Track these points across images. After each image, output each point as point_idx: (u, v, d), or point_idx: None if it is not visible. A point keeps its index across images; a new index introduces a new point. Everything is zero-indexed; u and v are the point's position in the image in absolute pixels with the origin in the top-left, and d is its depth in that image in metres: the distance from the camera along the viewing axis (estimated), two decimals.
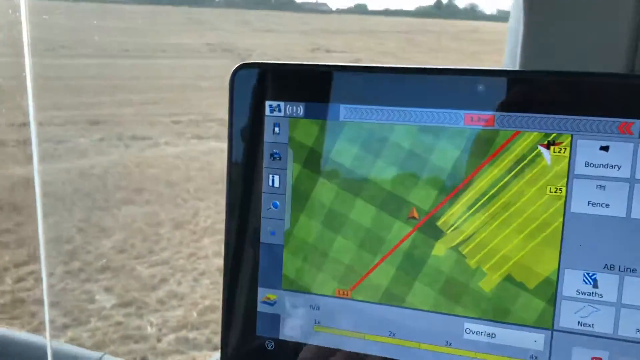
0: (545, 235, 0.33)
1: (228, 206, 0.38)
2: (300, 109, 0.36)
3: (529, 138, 0.33)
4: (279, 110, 0.36)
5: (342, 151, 0.36)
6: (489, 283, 0.34)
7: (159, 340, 2.00)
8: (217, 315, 2.15)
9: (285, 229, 0.37)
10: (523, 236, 0.33)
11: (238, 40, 10.37)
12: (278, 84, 0.36)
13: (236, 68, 0.37)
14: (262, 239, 0.37)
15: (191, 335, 2.04)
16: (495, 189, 0.34)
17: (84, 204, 3.03)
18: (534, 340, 0.34)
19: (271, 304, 0.37)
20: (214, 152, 4.13)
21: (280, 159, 0.37)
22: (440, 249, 0.35)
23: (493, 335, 0.34)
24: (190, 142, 4.38)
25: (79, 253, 2.55)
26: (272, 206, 0.37)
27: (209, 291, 2.31)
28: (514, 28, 0.49)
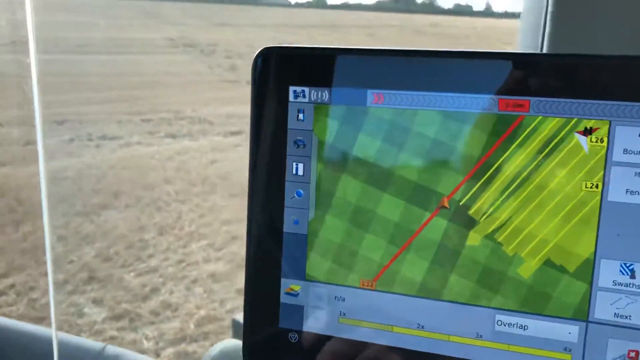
0: (582, 216, 0.32)
1: (251, 195, 0.37)
2: (325, 95, 0.35)
3: (566, 124, 0.32)
4: (304, 96, 0.35)
5: (369, 139, 0.34)
6: (528, 269, 0.33)
7: (157, 355, 1.90)
8: (216, 327, 2.06)
9: (310, 218, 0.36)
10: (559, 219, 0.32)
11: (199, 34, 10.16)
12: (302, 69, 0.35)
13: (259, 52, 0.36)
14: (285, 229, 0.36)
15: (191, 348, 1.95)
16: (526, 171, 0.33)
17: (60, 210, 2.88)
18: (568, 332, 0.33)
19: (295, 295, 0.36)
20: (189, 152, 4.00)
21: (304, 146, 0.35)
22: (474, 239, 0.34)
23: (525, 327, 0.33)
24: (164, 141, 4.24)
25: (61, 263, 2.41)
26: (295, 195, 0.36)
27: (204, 300, 2.22)
28: (532, 14, 0.47)
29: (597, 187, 0.32)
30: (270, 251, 0.37)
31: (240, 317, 0.75)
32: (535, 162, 0.33)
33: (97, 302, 2.17)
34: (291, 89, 0.36)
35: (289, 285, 0.37)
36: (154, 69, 6.95)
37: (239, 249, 2.63)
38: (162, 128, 4.55)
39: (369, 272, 0.35)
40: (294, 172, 0.36)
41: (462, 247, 0.34)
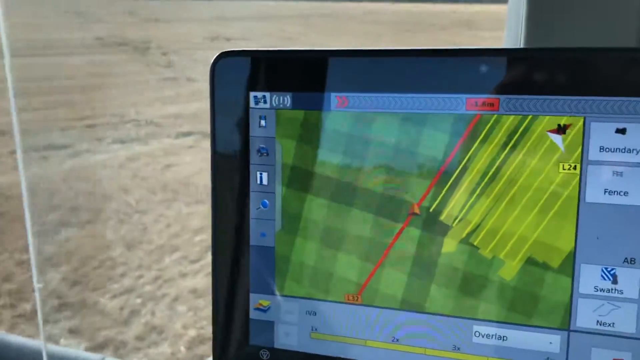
0: (559, 207, 0.31)
1: (214, 207, 0.36)
2: (287, 100, 0.34)
3: (538, 122, 0.31)
4: (265, 102, 0.34)
5: (333, 146, 0.33)
6: (510, 271, 0.32)
7: None
8: (209, 348, 1.94)
9: (277, 229, 0.35)
10: (535, 213, 0.31)
11: (129, 32, 9.80)
12: (262, 73, 0.34)
13: (216, 57, 0.35)
14: (252, 242, 0.35)
15: None
16: (493, 169, 0.31)
17: (15, 232, 2.67)
18: (549, 342, 0.32)
19: (264, 310, 0.35)
20: (141, 157, 3.82)
21: (267, 154, 0.34)
22: (450, 245, 0.32)
23: (504, 338, 0.32)
24: (113, 147, 4.02)
25: (25, 292, 2.23)
26: (261, 206, 0.35)
27: (190, 319, 2.09)
28: (515, 7, 0.46)
29: (574, 168, 0.30)
30: (238, 266, 0.35)
31: None
32: (501, 159, 0.31)
33: (74, 332, 2.01)
34: (252, 94, 0.34)
35: (258, 300, 0.35)
36: (87, 71, 6.64)
37: None
38: (109, 133, 4.33)
39: (346, 286, 0.34)
40: (259, 181, 0.35)
41: (438, 255, 0.33)
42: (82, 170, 3.54)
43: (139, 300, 2.20)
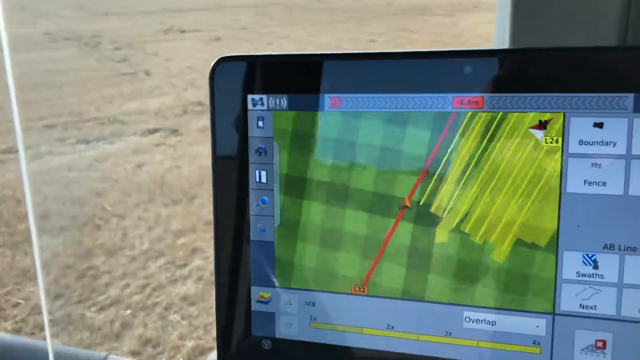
0: (541, 188, 0.32)
1: (216, 205, 0.37)
2: (283, 101, 0.35)
3: (521, 119, 0.32)
4: (262, 104, 0.35)
5: (328, 143, 0.35)
6: (500, 253, 0.33)
7: None
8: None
9: (276, 225, 0.36)
10: (518, 196, 0.33)
11: (78, 26, 9.44)
12: (259, 77, 0.35)
13: (216, 62, 0.36)
14: (252, 237, 0.36)
15: None
16: (475, 160, 0.33)
17: None
18: (536, 325, 0.33)
19: (266, 302, 0.37)
20: (109, 157, 3.64)
21: (266, 153, 0.36)
22: (442, 235, 0.34)
23: (493, 323, 0.34)
24: (78, 148, 3.83)
25: (4, 309, 2.06)
26: (260, 202, 0.36)
27: (185, 329, 1.97)
28: (503, 6, 0.48)
29: (556, 141, 0.32)
30: (239, 260, 0.37)
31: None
32: (486, 152, 0.33)
33: None
34: (249, 97, 0.35)
35: (259, 292, 0.37)
36: (38, 68, 6.34)
37: (205, 263, 2.38)
38: (71, 133, 4.12)
39: (344, 278, 0.35)
40: (258, 179, 0.36)
41: (432, 246, 0.34)
42: (47, 174, 3.35)
43: (128, 312, 2.06)
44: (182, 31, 9.27)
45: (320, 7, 11.69)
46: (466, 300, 0.34)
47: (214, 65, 0.36)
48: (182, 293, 2.17)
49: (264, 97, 0.35)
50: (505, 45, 0.47)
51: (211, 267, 2.34)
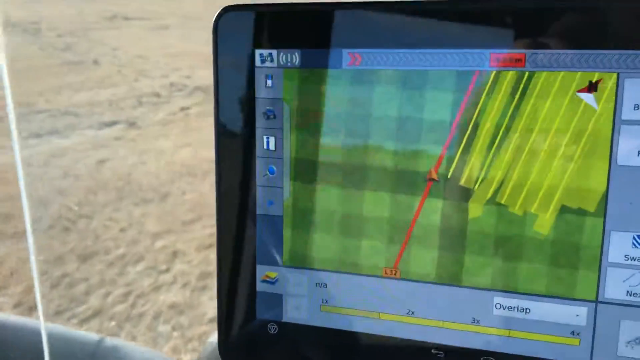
0: (586, 155, 0.28)
1: (218, 175, 0.34)
2: (295, 57, 0.32)
3: (568, 79, 0.28)
4: (272, 60, 0.32)
5: (345, 106, 0.31)
6: (544, 224, 0.30)
7: None
8: None
9: (285, 197, 0.33)
10: (560, 159, 0.29)
11: (13, 12, 8.91)
12: (269, 29, 0.32)
13: (220, 12, 0.33)
14: (258, 210, 0.34)
15: None
16: (507, 120, 0.29)
17: None
18: (576, 314, 0.30)
19: (272, 282, 0.34)
20: (67, 153, 3.40)
21: (275, 117, 0.32)
22: (476, 210, 0.30)
23: (527, 311, 0.30)
24: (29, 142, 3.57)
25: None
26: (268, 172, 0.33)
27: (180, 340, 1.82)
28: None
29: (608, 105, 0.28)
30: (244, 236, 0.34)
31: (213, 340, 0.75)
32: (515, 111, 0.29)
33: None
34: (257, 52, 0.32)
35: (265, 272, 0.34)
36: None
37: (188, 267, 2.23)
38: (21, 126, 3.84)
39: (365, 257, 0.32)
40: (265, 146, 0.33)
41: (465, 222, 0.31)
42: None
43: (113, 323, 1.90)
44: (127, 19, 8.90)
45: None
46: (500, 283, 0.30)
47: (217, 15, 0.33)
48: (169, 301, 2.01)
49: (274, 52, 0.32)
50: None
51: (196, 272, 2.19)
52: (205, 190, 2.97)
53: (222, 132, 0.34)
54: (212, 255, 2.34)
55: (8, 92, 0.82)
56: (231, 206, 0.34)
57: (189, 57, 6.01)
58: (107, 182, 2.98)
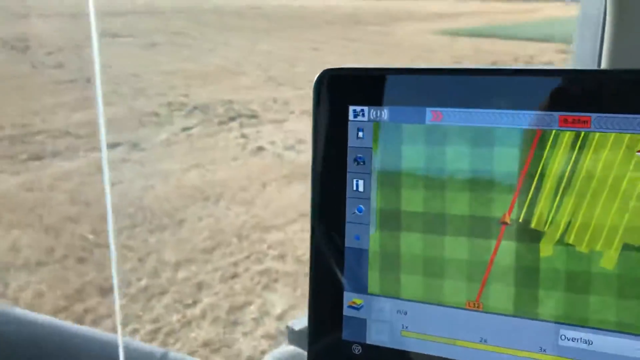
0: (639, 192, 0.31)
1: (313, 211, 0.37)
2: (384, 113, 0.35)
3: (628, 140, 0.31)
4: (363, 115, 0.35)
5: (427, 157, 0.35)
6: (609, 260, 0.32)
7: None
8: None
9: (371, 233, 0.36)
10: (619, 199, 0.31)
11: (0, 29, 8.67)
12: (361, 89, 0.36)
13: (321, 73, 0.36)
14: (347, 244, 0.36)
15: None
16: (569, 168, 0.32)
17: None
18: (637, 348, 0.31)
19: (357, 308, 0.36)
20: (72, 176, 3.24)
21: (364, 163, 0.36)
22: (547, 250, 0.33)
23: (590, 342, 0.32)
24: (31, 165, 3.40)
25: None
26: (356, 210, 0.36)
27: None
28: (587, 21, 0.48)
29: None
30: (333, 265, 0.37)
31: (294, 323, 0.79)
32: (578, 164, 0.32)
33: None
34: (351, 108, 0.35)
35: (351, 298, 0.36)
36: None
37: (216, 300, 2.10)
38: (19, 148, 3.67)
39: (448, 293, 0.34)
40: (355, 188, 0.36)
41: (537, 261, 0.33)
42: (3, 196, 2.93)
43: None
44: (115, 36, 8.71)
45: (254, 13, 11.40)
46: (567, 315, 0.33)
47: (318, 76, 0.36)
48: (202, 338, 1.88)
49: (365, 108, 0.35)
50: (594, 63, 0.48)
51: (225, 305, 2.07)
52: (219, 215, 2.85)
53: (317, 174, 0.36)
54: (238, 285, 2.22)
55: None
56: (322, 239, 0.37)
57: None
58: (118, 208, 2.83)
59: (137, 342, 0.79)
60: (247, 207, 2.97)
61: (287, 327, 1.04)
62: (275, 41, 8.95)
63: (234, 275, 2.27)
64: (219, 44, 8.28)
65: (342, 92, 0.36)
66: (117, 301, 1.34)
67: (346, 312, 0.37)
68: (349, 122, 0.36)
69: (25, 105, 4.74)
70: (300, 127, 4.67)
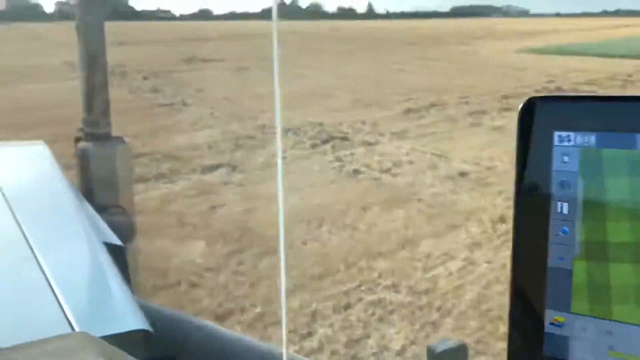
0: None
1: (515, 232, 0.37)
2: (591, 139, 0.35)
3: None
4: (569, 140, 0.36)
5: (634, 182, 0.34)
6: None
7: None
8: None
9: (575, 255, 0.35)
10: None
11: None
12: (567, 115, 0.36)
13: (525, 101, 0.37)
14: (550, 264, 0.36)
15: None
16: None
17: None
18: None
19: (559, 325, 0.36)
20: (177, 198, 3.26)
21: (569, 187, 0.35)
22: None
23: None
24: (136, 188, 3.45)
25: None
26: (560, 232, 0.36)
27: None
28: None
29: None
30: (535, 284, 0.37)
31: (433, 343, 0.81)
32: None
33: None
34: (556, 133, 0.36)
35: (553, 316, 0.36)
36: (68, 97, 5.98)
37: (331, 332, 2.01)
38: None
39: None
40: (559, 210, 0.36)
41: None
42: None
43: None
44: (205, 60, 8.95)
45: (333, 35, 11.45)
46: None
47: (523, 104, 0.37)
48: None
49: (572, 134, 0.35)
50: None
51: (342, 338, 1.97)
52: (324, 240, 2.78)
53: (521, 196, 0.37)
54: (352, 317, 2.13)
55: None
56: (525, 259, 0.37)
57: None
58: (224, 231, 2.81)
59: (298, 356, 0.76)
60: (350, 232, 2.88)
61: (428, 347, 1.03)
62: (358, 63, 8.94)
63: (347, 306, 2.18)
64: (303, 67, 8.32)
65: (548, 119, 0.36)
66: (284, 315, 1.33)
67: (548, 329, 0.36)
68: (554, 147, 0.36)
69: (127, 128, 4.88)
70: (392, 149, 4.58)
